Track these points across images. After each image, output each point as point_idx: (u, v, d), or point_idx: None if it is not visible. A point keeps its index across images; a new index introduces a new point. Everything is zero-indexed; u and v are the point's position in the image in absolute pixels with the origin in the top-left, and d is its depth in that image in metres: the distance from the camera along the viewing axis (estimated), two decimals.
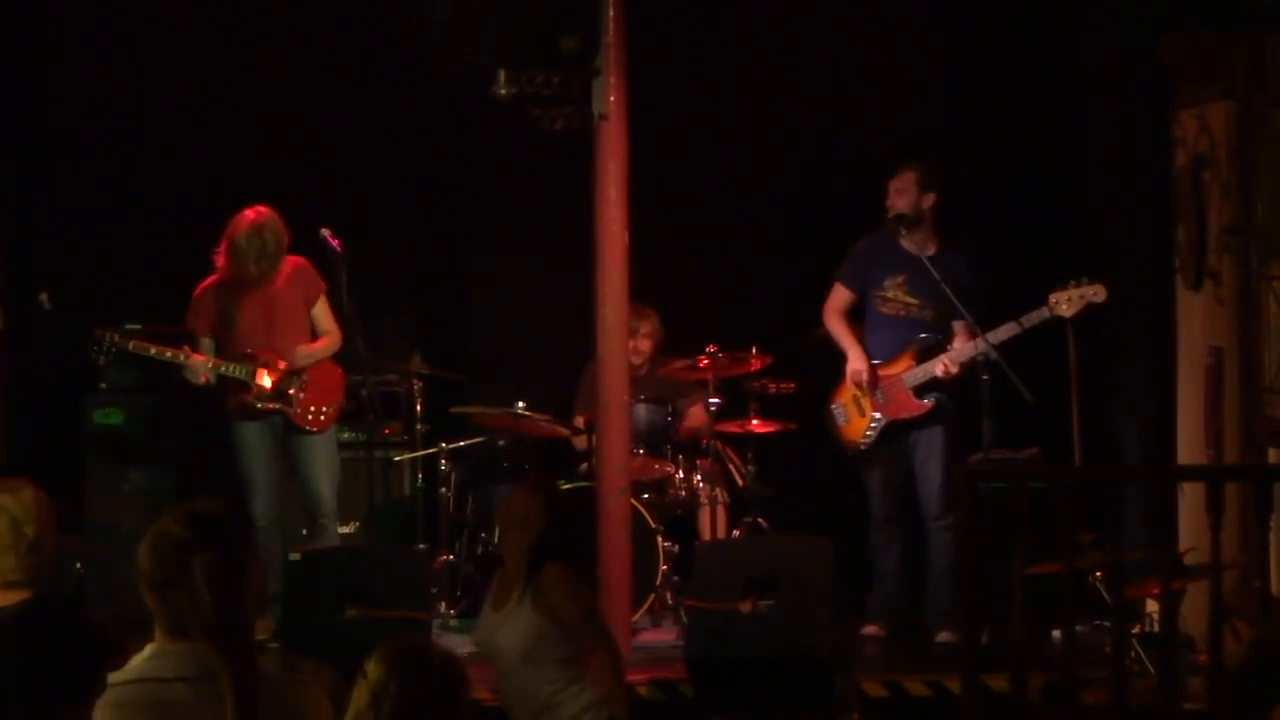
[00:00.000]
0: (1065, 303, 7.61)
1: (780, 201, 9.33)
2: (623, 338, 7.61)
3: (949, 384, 7.92)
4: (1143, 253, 8.43)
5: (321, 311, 7.94)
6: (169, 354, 7.72)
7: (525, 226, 9.32)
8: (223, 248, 7.72)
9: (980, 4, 9.15)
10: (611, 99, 7.34)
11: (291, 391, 7.82)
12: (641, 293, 7.89)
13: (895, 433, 8.02)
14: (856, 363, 8.03)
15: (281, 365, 7.79)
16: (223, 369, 7.74)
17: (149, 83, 8.89)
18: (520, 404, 8.35)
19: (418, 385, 8.62)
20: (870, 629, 8.03)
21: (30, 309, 8.52)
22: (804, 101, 9.23)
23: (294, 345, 7.86)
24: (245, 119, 8.94)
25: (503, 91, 7.21)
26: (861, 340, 8.08)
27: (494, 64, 7.20)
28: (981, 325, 7.77)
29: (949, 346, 7.93)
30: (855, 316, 8.15)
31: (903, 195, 7.96)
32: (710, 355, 8.32)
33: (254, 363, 7.77)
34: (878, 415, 8.00)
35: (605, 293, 7.48)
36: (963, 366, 7.84)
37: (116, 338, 7.72)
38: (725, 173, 9.23)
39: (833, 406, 8.13)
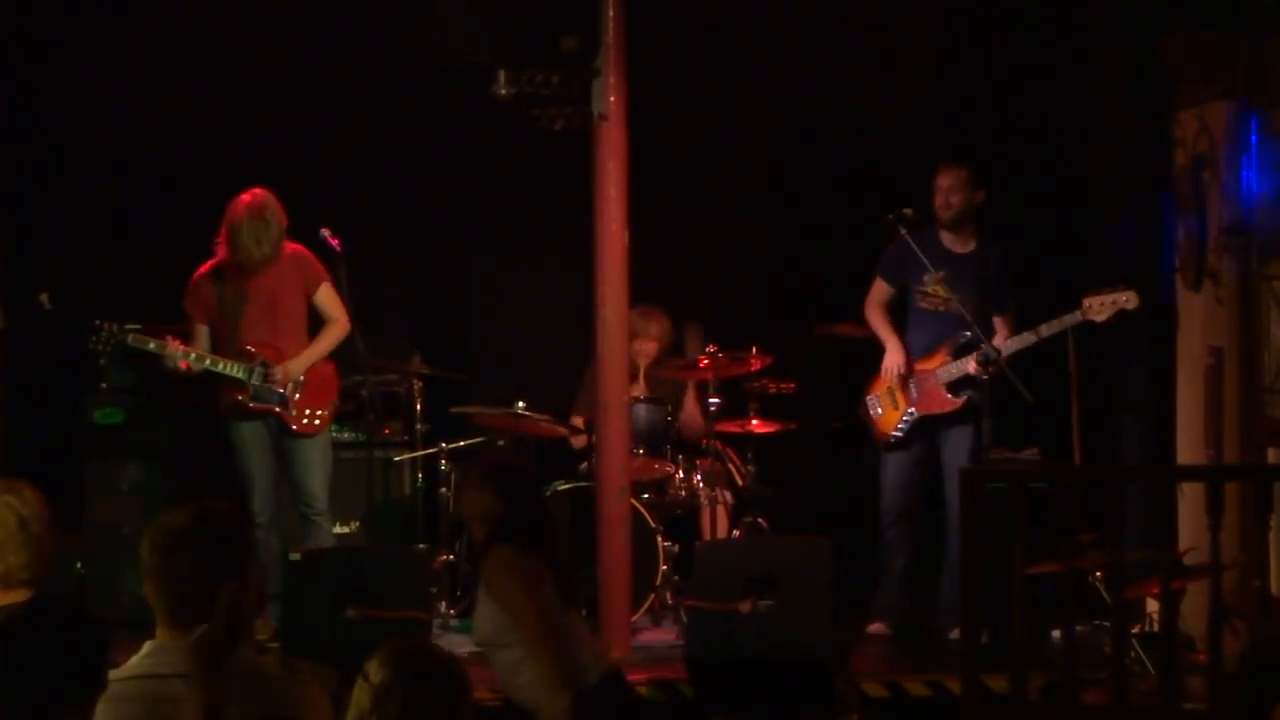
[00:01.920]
0: (1098, 307, 7.60)
1: (780, 201, 9.33)
2: (623, 338, 7.61)
3: (986, 383, 7.84)
4: (1143, 253, 8.43)
5: (326, 298, 7.87)
6: (151, 345, 7.69)
7: (525, 226, 9.31)
8: (223, 235, 7.69)
9: (980, 3, 9.15)
10: (611, 99, 7.34)
11: (287, 393, 7.79)
12: (641, 293, 7.89)
13: (924, 429, 8.02)
14: (893, 355, 8.04)
15: (281, 366, 7.75)
16: (219, 366, 7.72)
17: (149, 82, 8.89)
18: (520, 404, 8.34)
19: (418, 385, 8.62)
20: (875, 627, 8.03)
21: (30, 309, 8.50)
22: (804, 101, 9.23)
23: (295, 342, 7.83)
24: (245, 119, 8.93)
25: (503, 91, 7.21)
26: (903, 337, 8.09)
27: (494, 64, 7.20)
28: (1014, 322, 7.82)
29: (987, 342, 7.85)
30: (895, 313, 8.17)
31: (957, 192, 7.99)
32: (710, 355, 8.31)
33: (251, 360, 7.74)
34: (911, 409, 8.01)
35: (605, 293, 7.48)
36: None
37: (115, 329, 7.70)
38: (725, 173, 9.22)
39: (868, 397, 8.14)
